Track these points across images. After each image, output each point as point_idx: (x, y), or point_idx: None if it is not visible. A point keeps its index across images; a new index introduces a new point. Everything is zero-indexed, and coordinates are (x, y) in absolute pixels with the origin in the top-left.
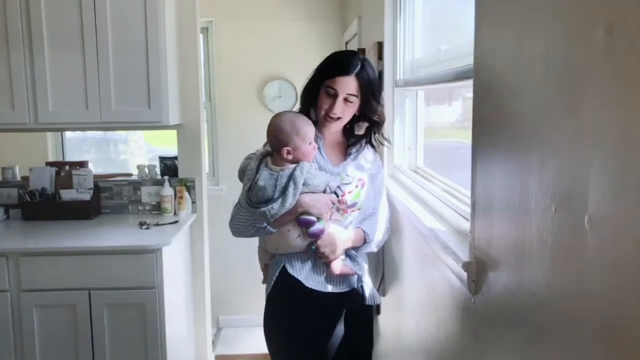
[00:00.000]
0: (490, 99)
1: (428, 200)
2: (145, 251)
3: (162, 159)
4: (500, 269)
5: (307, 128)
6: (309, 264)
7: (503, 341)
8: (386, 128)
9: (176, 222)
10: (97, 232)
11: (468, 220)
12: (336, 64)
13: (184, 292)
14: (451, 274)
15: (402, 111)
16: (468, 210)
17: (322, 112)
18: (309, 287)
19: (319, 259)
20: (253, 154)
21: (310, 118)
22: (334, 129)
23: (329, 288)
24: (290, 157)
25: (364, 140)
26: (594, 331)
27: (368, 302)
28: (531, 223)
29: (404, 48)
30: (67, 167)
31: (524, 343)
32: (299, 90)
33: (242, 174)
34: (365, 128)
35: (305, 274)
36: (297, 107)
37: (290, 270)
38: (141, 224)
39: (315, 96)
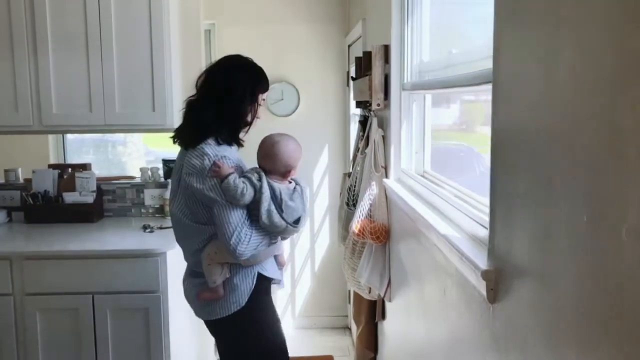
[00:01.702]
0: (512, 103)
1: (438, 205)
2: (149, 255)
3: (165, 162)
4: (522, 278)
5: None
6: (274, 262)
7: (526, 351)
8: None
9: None
10: (101, 235)
11: (484, 227)
12: (265, 78)
13: None
14: (467, 281)
15: (409, 115)
16: (482, 216)
17: (252, 121)
18: (278, 279)
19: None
20: (238, 175)
21: (239, 138)
22: None
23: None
24: (290, 177)
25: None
26: (632, 348)
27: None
28: (559, 232)
29: (411, 51)
30: (70, 169)
31: (548, 353)
32: (302, 94)
33: (240, 195)
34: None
35: (276, 272)
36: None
37: (266, 273)
38: (145, 227)
39: (248, 114)
